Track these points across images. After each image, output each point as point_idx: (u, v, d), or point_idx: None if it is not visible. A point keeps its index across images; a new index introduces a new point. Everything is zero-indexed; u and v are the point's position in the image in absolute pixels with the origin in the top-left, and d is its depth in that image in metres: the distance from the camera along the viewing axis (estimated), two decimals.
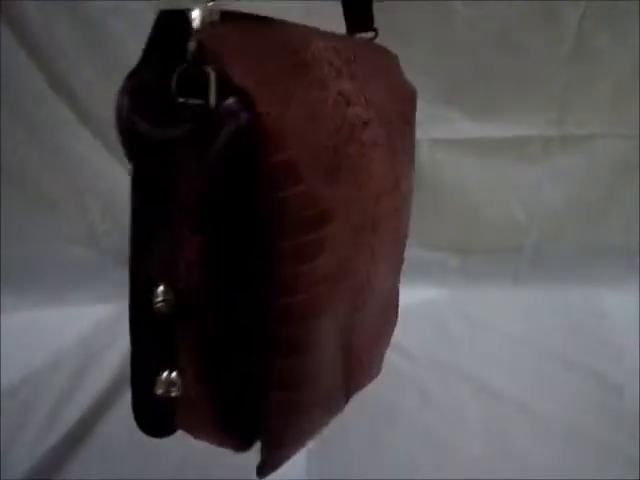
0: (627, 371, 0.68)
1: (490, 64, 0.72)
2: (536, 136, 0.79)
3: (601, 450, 0.57)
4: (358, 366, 0.41)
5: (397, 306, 0.49)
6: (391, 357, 0.65)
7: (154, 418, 0.32)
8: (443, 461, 0.56)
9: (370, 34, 0.46)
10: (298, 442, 0.36)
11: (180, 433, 0.32)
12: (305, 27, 0.34)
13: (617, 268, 0.85)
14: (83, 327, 0.77)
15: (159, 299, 0.28)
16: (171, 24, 0.26)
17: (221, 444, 0.33)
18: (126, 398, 0.61)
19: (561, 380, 0.68)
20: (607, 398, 0.64)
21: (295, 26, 0.33)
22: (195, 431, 0.33)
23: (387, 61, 0.46)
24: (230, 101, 0.26)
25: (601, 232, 0.85)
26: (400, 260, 0.47)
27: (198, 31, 0.26)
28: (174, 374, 0.29)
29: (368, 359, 0.43)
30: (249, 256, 0.28)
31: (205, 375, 0.30)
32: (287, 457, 0.36)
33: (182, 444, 0.34)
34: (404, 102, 0.45)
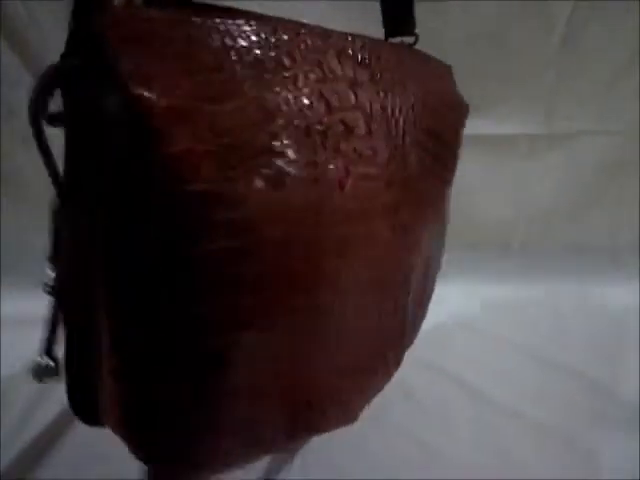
0: (617, 372, 0.68)
1: (477, 62, 0.72)
2: (523, 134, 0.79)
3: (591, 453, 0.57)
4: (314, 407, 0.38)
5: (398, 355, 0.45)
6: None
7: (79, 404, 0.34)
8: (432, 467, 0.56)
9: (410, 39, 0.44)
10: (203, 464, 0.34)
11: None
12: (295, 24, 0.33)
13: (604, 266, 0.86)
14: None
15: (48, 283, 0.31)
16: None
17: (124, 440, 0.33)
18: None
19: (548, 381, 0.67)
20: (597, 400, 0.64)
21: (271, 21, 0.32)
22: (108, 422, 0.34)
23: (430, 71, 0.43)
24: (114, 95, 0.25)
25: (588, 229, 0.86)
26: (404, 300, 0.42)
27: (102, 9, 0.26)
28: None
29: (333, 403, 0.39)
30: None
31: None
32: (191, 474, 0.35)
33: None
34: (444, 118, 0.42)
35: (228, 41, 0.29)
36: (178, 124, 0.26)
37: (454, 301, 0.78)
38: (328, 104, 0.33)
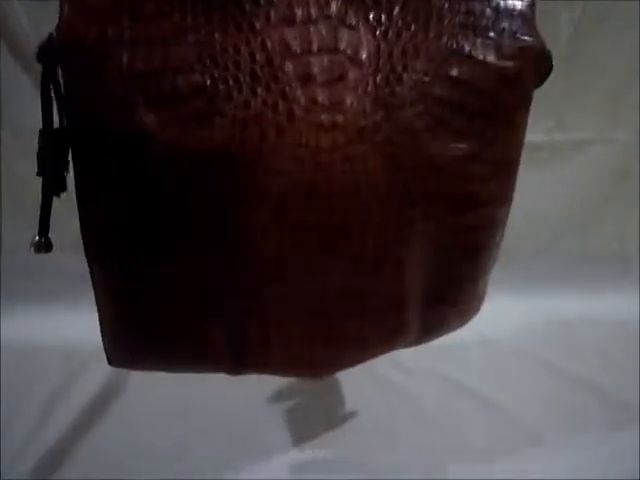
0: (626, 382, 0.68)
1: None
2: (531, 142, 0.78)
3: (601, 462, 0.56)
4: (261, 342, 0.39)
5: (399, 318, 0.41)
6: (385, 370, 0.65)
7: None
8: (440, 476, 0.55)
9: None
10: (140, 359, 0.41)
11: None
12: None
13: (613, 274, 0.85)
14: (70, 335, 0.76)
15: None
16: None
17: None
18: (115, 408, 0.61)
19: (558, 392, 0.67)
20: (606, 410, 0.64)
21: None
22: None
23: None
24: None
25: (595, 239, 0.85)
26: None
27: None
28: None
29: (282, 342, 0.39)
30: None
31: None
32: (130, 363, 0.42)
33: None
34: (486, 75, 0.36)
35: None
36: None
37: None
38: (288, 47, 0.33)
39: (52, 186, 0.36)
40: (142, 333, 0.40)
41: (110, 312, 0.40)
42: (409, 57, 0.34)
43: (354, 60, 0.33)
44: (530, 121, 0.76)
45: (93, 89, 0.32)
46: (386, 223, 0.36)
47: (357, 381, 0.65)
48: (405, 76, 0.34)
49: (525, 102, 0.39)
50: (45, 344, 0.75)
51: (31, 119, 0.72)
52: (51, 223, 0.80)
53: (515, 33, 0.37)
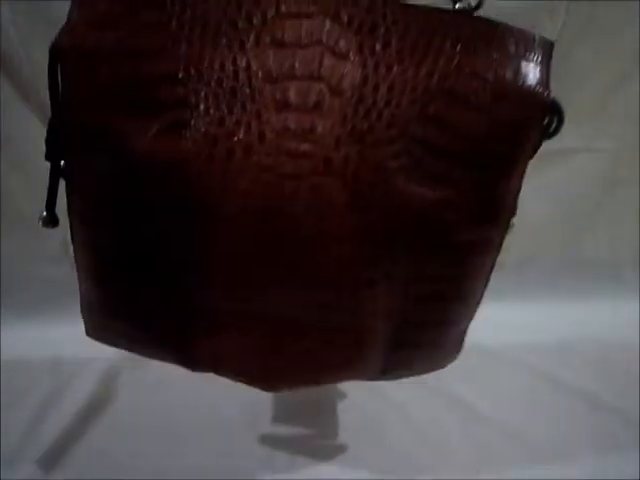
0: (619, 390, 0.68)
1: None
2: None
3: (596, 473, 0.56)
4: (209, 345, 0.39)
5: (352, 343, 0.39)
6: None
7: None
8: None
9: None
10: (107, 334, 0.44)
11: None
12: None
13: (599, 283, 0.86)
14: (54, 347, 0.75)
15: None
16: None
17: None
18: (100, 419, 0.60)
19: (548, 401, 0.67)
20: (598, 419, 0.64)
21: None
22: None
23: (490, 47, 0.35)
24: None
25: (582, 247, 0.86)
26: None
27: None
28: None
29: (231, 351, 0.39)
30: None
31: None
32: (102, 338, 0.45)
33: None
34: (480, 109, 0.34)
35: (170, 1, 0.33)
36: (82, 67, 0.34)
37: None
38: (270, 70, 0.33)
39: (56, 170, 0.39)
40: (109, 313, 0.43)
41: (84, 290, 0.44)
42: (395, 93, 0.33)
43: (335, 89, 0.33)
44: None
45: (84, 92, 0.34)
46: (347, 260, 0.35)
47: (345, 387, 0.65)
48: (386, 112, 0.33)
49: (523, 153, 0.36)
50: (34, 353, 0.74)
51: (24, 132, 0.74)
52: (34, 236, 0.81)
53: (517, 79, 0.35)
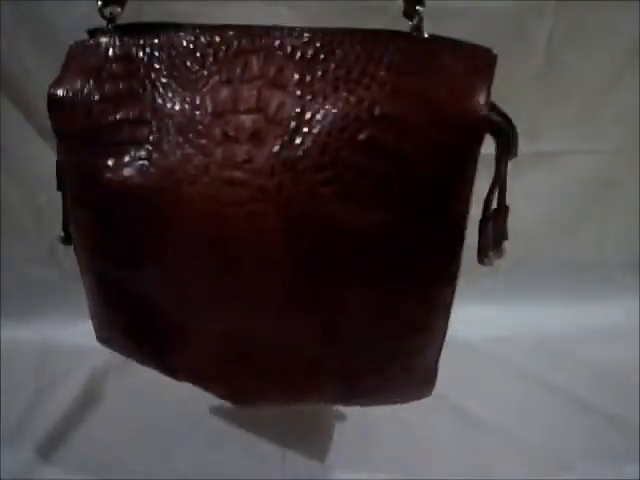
0: (608, 391, 0.68)
1: None
2: None
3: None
4: (179, 357, 0.44)
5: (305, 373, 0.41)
6: None
7: None
8: None
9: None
10: (112, 344, 0.49)
11: None
12: (231, 28, 0.38)
13: (594, 284, 0.86)
14: (42, 351, 0.75)
15: None
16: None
17: None
18: (84, 425, 0.60)
19: (540, 404, 0.67)
20: (588, 419, 0.64)
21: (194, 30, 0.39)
22: None
23: (431, 70, 0.34)
24: None
25: (574, 248, 0.86)
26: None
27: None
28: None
29: (199, 365, 0.43)
30: None
31: None
32: (107, 343, 0.49)
33: None
34: (424, 133, 0.33)
35: (140, 55, 0.39)
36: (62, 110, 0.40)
37: None
38: (214, 107, 0.36)
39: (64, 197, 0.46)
40: (108, 328, 0.47)
41: (89, 305, 0.48)
42: (327, 121, 0.34)
43: (272, 120, 0.35)
44: None
45: (66, 132, 0.41)
46: (286, 286, 0.36)
47: None
48: (319, 140, 0.34)
49: (464, 176, 0.34)
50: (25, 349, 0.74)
51: (20, 140, 0.73)
52: (21, 238, 0.80)
53: (455, 98, 0.33)
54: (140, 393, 0.66)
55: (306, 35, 0.36)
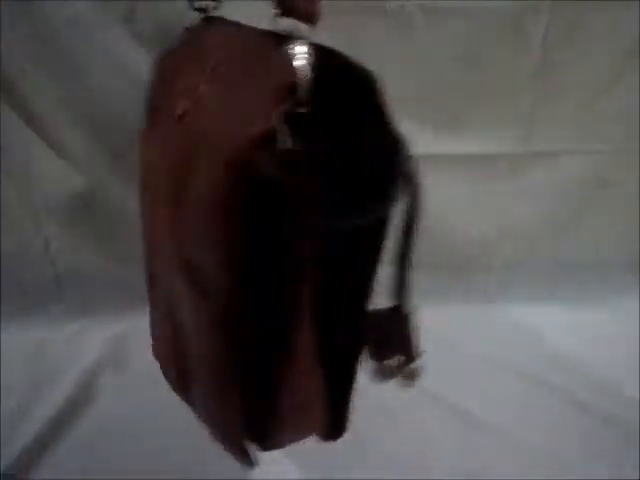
0: (604, 391, 0.68)
1: (456, 80, 0.72)
2: (504, 153, 0.79)
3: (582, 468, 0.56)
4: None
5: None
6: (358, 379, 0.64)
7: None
8: None
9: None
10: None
11: None
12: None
13: (590, 284, 0.86)
14: (34, 351, 0.75)
15: None
16: None
17: None
18: (75, 427, 0.60)
19: (540, 404, 0.67)
20: (585, 419, 0.64)
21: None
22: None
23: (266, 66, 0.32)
24: None
25: (571, 248, 0.86)
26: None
27: None
28: None
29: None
30: None
31: None
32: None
33: None
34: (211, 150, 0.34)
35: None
36: None
37: (438, 322, 0.77)
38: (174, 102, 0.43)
39: None
40: None
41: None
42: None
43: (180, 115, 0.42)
44: (503, 132, 0.77)
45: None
46: None
47: None
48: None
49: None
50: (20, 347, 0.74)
51: (19, 141, 0.73)
52: (20, 238, 0.80)
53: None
54: (134, 392, 0.66)
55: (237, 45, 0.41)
